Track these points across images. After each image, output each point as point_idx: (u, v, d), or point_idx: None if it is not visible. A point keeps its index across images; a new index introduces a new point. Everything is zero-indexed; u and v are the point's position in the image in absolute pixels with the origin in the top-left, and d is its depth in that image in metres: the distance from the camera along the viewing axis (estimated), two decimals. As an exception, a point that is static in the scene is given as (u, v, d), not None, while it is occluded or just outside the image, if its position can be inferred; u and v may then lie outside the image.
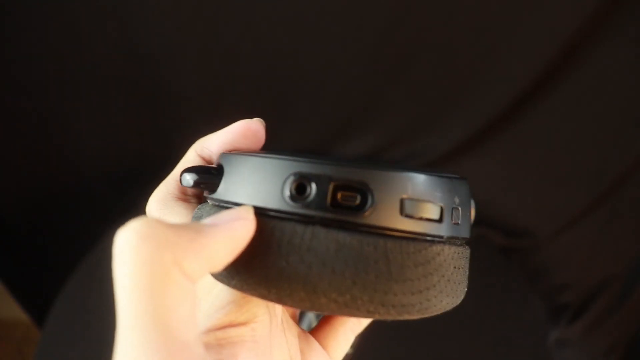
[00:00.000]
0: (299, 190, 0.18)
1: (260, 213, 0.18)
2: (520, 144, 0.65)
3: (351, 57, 0.62)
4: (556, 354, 0.69)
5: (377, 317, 0.18)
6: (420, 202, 0.18)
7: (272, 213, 0.18)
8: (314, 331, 0.24)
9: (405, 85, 0.63)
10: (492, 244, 0.70)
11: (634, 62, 0.57)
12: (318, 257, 0.17)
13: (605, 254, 0.68)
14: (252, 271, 0.17)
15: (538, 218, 0.69)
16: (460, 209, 0.19)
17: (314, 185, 0.17)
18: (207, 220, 0.17)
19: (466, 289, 0.20)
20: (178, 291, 0.14)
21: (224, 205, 0.19)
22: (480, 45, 0.59)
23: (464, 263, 0.20)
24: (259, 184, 0.18)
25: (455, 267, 0.19)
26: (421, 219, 0.18)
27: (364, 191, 0.17)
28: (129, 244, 0.14)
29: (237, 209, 0.17)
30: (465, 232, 0.20)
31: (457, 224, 0.19)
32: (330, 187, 0.17)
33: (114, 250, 0.15)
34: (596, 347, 0.70)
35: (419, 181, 0.18)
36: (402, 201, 0.18)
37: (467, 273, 0.21)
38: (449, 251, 0.19)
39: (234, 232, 0.16)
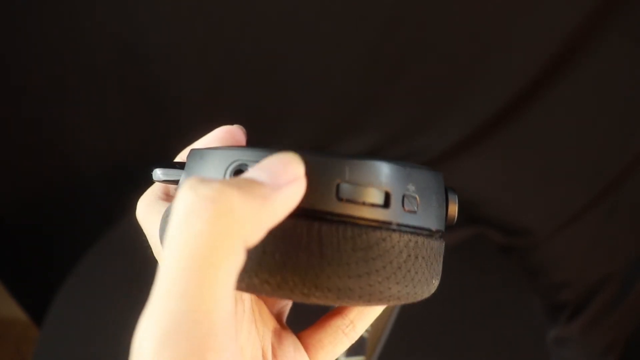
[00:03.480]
0: (238, 174, 0.18)
1: None
2: (519, 143, 0.65)
3: (350, 57, 0.62)
4: (555, 352, 0.69)
5: (316, 300, 0.18)
6: (358, 187, 0.18)
7: None
8: (304, 332, 0.24)
9: (404, 84, 0.63)
10: (491, 243, 0.70)
11: (633, 60, 0.57)
12: None
13: (603, 252, 0.68)
14: None
15: (537, 216, 0.70)
16: (418, 197, 0.19)
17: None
18: (260, 176, 0.16)
19: (436, 281, 0.20)
20: (233, 261, 0.14)
21: None
22: (479, 44, 0.59)
23: (429, 254, 0.20)
24: (205, 174, 0.19)
25: (412, 256, 0.19)
26: (364, 203, 0.18)
27: None
28: (203, 211, 0.14)
29: (288, 162, 0.17)
30: (430, 223, 0.20)
31: (413, 212, 0.19)
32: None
33: (178, 207, 0.14)
34: (595, 345, 0.70)
35: (358, 166, 0.18)
36: (338, 185, 0.18)
37: (437, 266, 0.20)
38: (400, 238, 0.18)
39: (293, 197, 0.17)
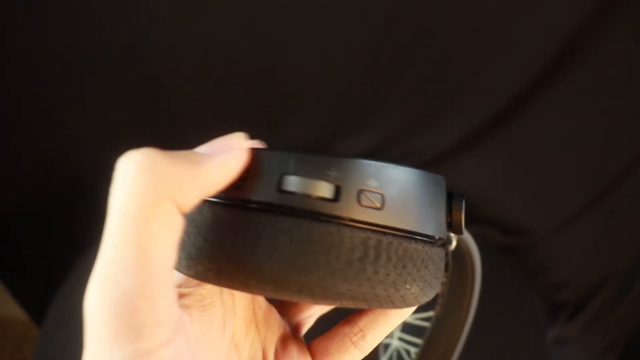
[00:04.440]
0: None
1: None
2: (519, 143, 0.65)
3: (349, 57, 0.62)
4: (555, 351, 0.69)
5: (257, 292, 0.18)
6: (304, 180, 0.18)
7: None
8: (314, 340, 0.24)
9: (403, 84, 0.63)
10: (491, 243, 0.70)
11: (633, 60, 0.57)
12: (196, 228, 0.19)
13: (603, 251, 0.68)
14: None
15: (536, 216, 0.70)
16: (384, 194, 0.18)
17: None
18: (202, 149, 0.18)
19: (413, 287, 0.19)
20: (165, 222, 0.15)
21: None
22: (479, 44, 0.59)
23: (404, 256, 0.18)
24: None
25: (370, 255, 0.18)
26: (309, 196, 0.18)
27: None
28: (127, 173, 0.15)
29: (230, 137, 0.18)
30: (408, 224, 0.19)
31: (376, 208, 0.18)
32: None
33: (114, 175, 0.15)
34: (595, 345, 0.70)
35: (305, 160, 0.18)
36: (281, 178, 0.18)
37: (418, 271, 0.19)
38: (353, 234, 0.18)
39: (229, 163, 0.17)
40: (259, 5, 0.58)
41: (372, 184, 0.18)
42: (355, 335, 0.23)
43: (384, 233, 0.18)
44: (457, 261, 0.32)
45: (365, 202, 0.18)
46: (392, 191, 0.19)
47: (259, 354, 0.22)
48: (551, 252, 0.70)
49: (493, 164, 0.68)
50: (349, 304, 0.19)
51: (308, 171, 0.18)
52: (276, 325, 0.24)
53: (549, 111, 0.62)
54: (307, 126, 0.69)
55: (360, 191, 0.18)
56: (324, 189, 0.18)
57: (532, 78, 0.59)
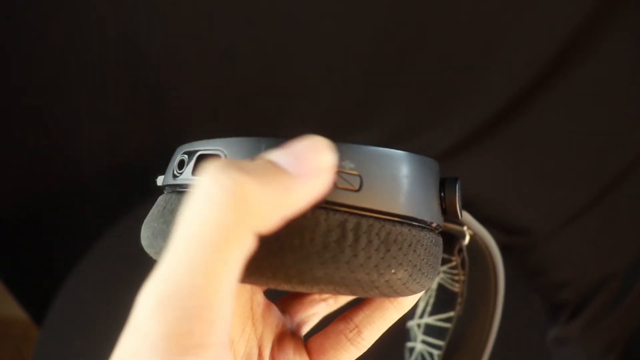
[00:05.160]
0: (180, 165, 0.20)
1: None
2: (519, 142, 0.65)
3: (349, 57, 0.62)
4: (555, 351, 0.69)
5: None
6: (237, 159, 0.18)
7: (166, 189, 0.21)
8: (311, 338, 0.24)
9: (403, 84, 0.63)
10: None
11: (633, 60, 0.57)
12: (156, 217, 0.19)
13: (604, 251, 0.68)
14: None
15: (537, 216, 0.70)
16: (361, 176, 0.18)
17: (189, 160, 0.19)
18: (289, 162, 0.16)
19: (400, 272, 0.18)
20: (241, 249, 0.14)
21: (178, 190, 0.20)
22: (480, 43, 0.59)
23: (388, 239, 0.18)
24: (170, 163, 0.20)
25: (348, 237, 0.17)
26: None
27: (183, 159, 0.19)
28: (214, 197, 0.14)
29: (318, 148, 0.16)
30: (390, 206, 0.18)
31: (352, 190, 0.18)
32: (194, 159, 0.19)
33: (197, 190, 0.15)
34: (595, 345, 0.70)
35: (276, 143, 0.18)
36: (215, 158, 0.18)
37: (404, 255, 0.18)
38: (329, 216, 0.17)
39: (317, 191, 0.16)
40: (260, 5, 0.58)
41: (348, 165, 0.18)
42: (350, 331, 0.22)
43: (364, 215, 0.18)
44: (477, 259, 0.32)
45: (341, 184, 0.18)
46: (371, 173, 0.18)
47: (255, 351, 0.22)
48: (551, 252, 0.70)
49: (493, 164, 0.68)
50: (329, 290, 0.18)
51: (239, 152, 0.18)
52: (274, 323, 0.24)
53: (549, 111, 0.62)
54: (307, 126, 0.69)
55: (336, 173, 0.18)
56: None
57: (532, 78, 0.59)
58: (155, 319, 0.14)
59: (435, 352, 0.32)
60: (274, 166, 0.16)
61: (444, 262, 0.30)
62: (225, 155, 0.19)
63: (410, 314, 0.32)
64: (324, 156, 0.16)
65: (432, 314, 0.32)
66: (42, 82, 0.63)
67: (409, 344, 0.33)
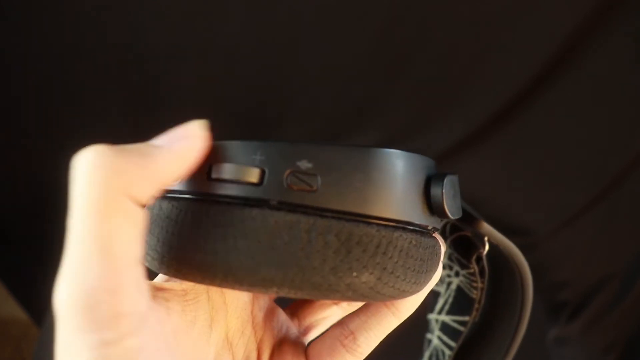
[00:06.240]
0: None
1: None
2: (519, 142, 0.65)
3: (350, 55, 0.62)
4: (555, 351, 0.69)
5: (192, 279, 0.18)
6: (229, 166, 0.18)
7: None
8: (311, 343, 0.24)
9: (403, 84, 0.63)
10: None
11: (633, 60, 0.57)
12: (149, 223, 0.19)
13: (604, 251, 0.68)
14: None
15: (536, 216, 0.70)
16: (319, 176, 0.17)
17: None
18: (156, 141, 0.18)
19: (365, 276, 0.17)
20: (123, 216, 0.15)
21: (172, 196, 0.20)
22: (480, 43, 0.59)
23: (352, 240, 0.17)
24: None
25: (300, 239, 0.17)
26: (235, 182, 0.18)
27: None
28: (81, 171, 0.15)
29: (187, 125, 0.18)
30: (344, 205, 0.17)
31: (309, 190, 0.17)
32: None
33: (71, 174, 0.16)
34: (595, 345, 0.70)
35: (232, 147, 0.18)
36: (210, 166, 0.18)
37: (371, 258, 0.17)
38: (280, 217, 0.17)
39: (182, 153, 0.17)
40: (260, 5, 0.58)
41: (305, 165, 0.17)
42: (346, 338, 0.22)
43: (321, 216, 0.17)
44: (503, 270, 0.30)
45: (296, 184, 0.17)
46: (331, 172, 0.17)
47: (254, 355, 0.22)
48: (551, 252, 0.70)
49: (493, 164, 0.68)
50: (285, 293, 0.17)
51: (236, 157, 0.18)
52: (276, 327, 0.24)
53: (549, 111, 0.62)
54: (306, 126, 0.69)
55: (290, 173, 0.17)
56: (248, 174, 0.17)
57: (533, 78, 0.59)
58: (64, 300, 0.14)
59: (447, 352, 0.32)
60: (147, 144, 0.17)
61: (463, 266, 0.29)
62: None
63: (431, 306, 0.32)
64: (189, 128, 0.18)
65: (449, 313, 0.32)
66: (42, 82, 0.63)
67: (428, 335, 0.33)
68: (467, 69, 0.61)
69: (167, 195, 0.20)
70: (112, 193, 0.15)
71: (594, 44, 0.56)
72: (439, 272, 0.22)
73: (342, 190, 0.17)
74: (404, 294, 0.19)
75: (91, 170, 0.15)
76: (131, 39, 0.61)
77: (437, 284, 0.33)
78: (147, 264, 0.19)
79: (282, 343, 0.23)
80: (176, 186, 0.20)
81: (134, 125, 0.69)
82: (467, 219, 0.25)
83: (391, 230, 0.18)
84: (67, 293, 0.15)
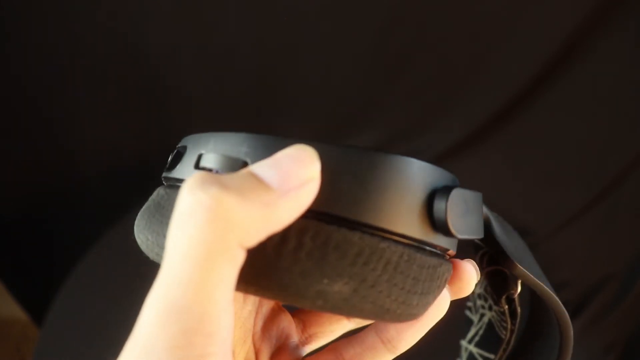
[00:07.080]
0: (174, 159, 0.20)
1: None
2: (519, 142, 0.65)
3: (349, 57, 0.62)
4: (555, 351, 0.69)
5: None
6: (216, 156, 0.17)
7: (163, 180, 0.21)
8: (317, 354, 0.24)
9: (403, 84, 0.63)
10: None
11: (633, 60, 0.57)
12: (147, 219, 0.19)
13: (603, 251, 0.68)
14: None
15: (537, 216, 0.70)
16: None
17: (180, 155, 0.19)
18: (271, 176, 0.15)
19: (336, 282, 0.16)
20: (230, 265, 0.14)
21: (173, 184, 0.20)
22: (480, 43, 0.59)
23: (324, 244, 0.16)
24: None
25: (271, 238, 0.16)
26: (220, 173, 0.17)
27: (179, 152, 0.19)
28: (196, 216, 0.14)
29: (301, 156, 0.15)
30: (323, 206, 0.16)
31: None
32: (174, 152, 0.20)
33: (177, 208, 0.15)
34: (595, 345, 0.70)
35: (222, 138, 0.18)
36: (199, 156, 0.18)
37: (338, 262, 0.16)
38: None
39: (302, 202, 0.15)
40: (260, 6, 0.58)
41: None
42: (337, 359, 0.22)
43: (302, 217, 0.16)
44: (544, 319, 0.27)
45: None
46: (327, 174, 0.16)
47: (252, 358, 0.22)
48: (551, 252, 0.70)
49: (493, 164, 0.68)
50: (253, 292, 0.16)
51: (223, 148, 0.17)
52: (275, 336, 0.24)
53: (549, 111, 0.62)
54: (307, 126, 0.69)
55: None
56: (230, 165, 0.17)
57: (533, 78, 0.59)
58: (156, 333, 0.14)
59: None
60: (257, 180, 0.15)
61: (495, 302, 0.27)
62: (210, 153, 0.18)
63: (464, 333, 0.30)
64: (308, 168, 0.15)
65: (477, 345, 0.30)
66: (43, 83, 0.63)
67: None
68: (467, 69, 0.61)
69: (163, 183, 0.20)
70: (227, 244, 0.14)
71: (594, 44, 0.56)
72: (445, 300, 0.20)
73: (326, 191, 0.16)
74: (388, 313, 0.17)
75: (210, 220, 0.14)
76: (132, 39, 0.61)
77: (471, 312, 0.31)
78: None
79: (279, 352, 0.23)
80: (166, 173, 0.19)
81: (134, 124, 0.69)
82: (501, 257, 0.23)
83: (378, 239, 0.16)
84: (162, 329, 0.14)
